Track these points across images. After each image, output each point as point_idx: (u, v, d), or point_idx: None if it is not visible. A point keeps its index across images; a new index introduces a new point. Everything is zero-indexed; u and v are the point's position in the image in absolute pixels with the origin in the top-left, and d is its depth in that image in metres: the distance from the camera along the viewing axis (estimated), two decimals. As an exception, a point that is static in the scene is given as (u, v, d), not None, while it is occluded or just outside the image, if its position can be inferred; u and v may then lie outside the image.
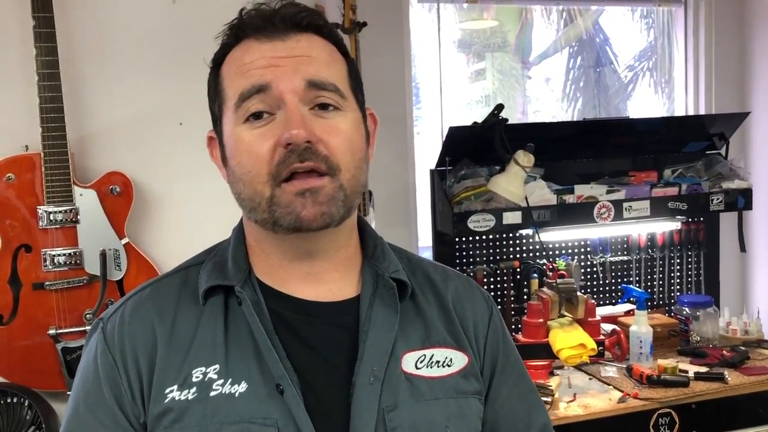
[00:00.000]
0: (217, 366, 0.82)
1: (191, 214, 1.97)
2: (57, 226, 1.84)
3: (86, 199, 1.86)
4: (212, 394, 0.81)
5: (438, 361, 0.89)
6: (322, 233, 0.84)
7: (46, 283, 1.85)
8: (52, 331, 1.84)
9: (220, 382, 0.81)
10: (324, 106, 0.83)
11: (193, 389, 0.81)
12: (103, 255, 1.86)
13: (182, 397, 0.81)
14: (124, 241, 1.89)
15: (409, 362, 0.87)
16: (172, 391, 0.81)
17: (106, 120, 1.93)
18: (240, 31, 0.86)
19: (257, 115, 0.82)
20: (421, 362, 0.88)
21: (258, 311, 0.84)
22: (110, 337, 0.86)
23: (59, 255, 1.85)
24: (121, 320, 0.87)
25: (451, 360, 0.90)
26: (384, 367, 0.84)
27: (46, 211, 1.83)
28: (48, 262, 1.84)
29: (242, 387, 0.81)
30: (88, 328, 1.85)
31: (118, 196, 1.89)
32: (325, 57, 0.85)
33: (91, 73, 1.91)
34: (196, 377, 0.82)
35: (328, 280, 0.89)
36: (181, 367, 0.82)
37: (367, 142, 0.91)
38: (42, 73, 1.78)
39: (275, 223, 0.82)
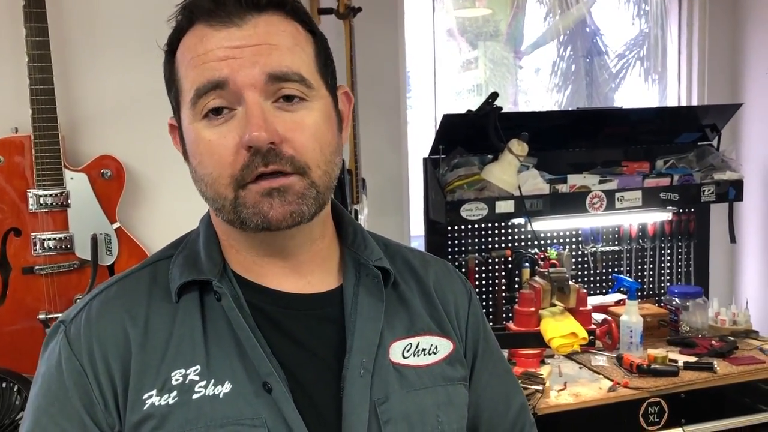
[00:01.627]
0: (198, 367, 0.77)
1: (183, 199, 1.95)
2: (47, 210, 1.82)
3: (77, 183, 1.84)
4: (195, 396, 0.76)
5: (424, 349, 0.87)
6: (293, 230, 0.80)
7: (36, 267, 1.83)
8: (41, 316, 1.82)
9: (203, 383, 0.77)
10: (289, 98, 0.77)
11: (174, 393, 0.76)
12: (94, 239, 1.84)
13: (162, 402, 0.76)
14: (115, 226, 1.88)
15: (396, 352, 0.85)
16: (150, 396, 0.76)
17: (97, 103, 1.90)
18: (191, 14, 0.78)
19: (216, 110, 0.76)
20: (408, 351, 0.86)
21: (238, 306, 0.80)
22: (75, 341, 0.79)
23: (49, 239, 1.83)
24: (87, 322, 0.80)
25: (436, 347, 0.88)
26: (373, 359, 0.82)
27: (35, 195, 1.81)
28: (37, 246, 1.82)
29: (226, 387, 0.77)
30: (78, 313, 1.83)
31: (110, 180, 1.87)
32: (288, 42, 0.77)
33: (82, 54, 1.88)
34: (176, 380, 0.77)
35: (306, 272, 0.85)
36: (158, 370, 0.77)
37: (340, 128, 0.85)
38: (32, 54, 1.75)
39: (242, 223, 0.77)
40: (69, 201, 1.83)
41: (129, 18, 1.90)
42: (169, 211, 1.95)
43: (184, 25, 0.79)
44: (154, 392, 0.76)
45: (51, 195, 1.81)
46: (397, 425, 0.81)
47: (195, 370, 0.77)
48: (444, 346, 0.89)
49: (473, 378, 0.94)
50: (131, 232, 1.90)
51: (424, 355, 0.87)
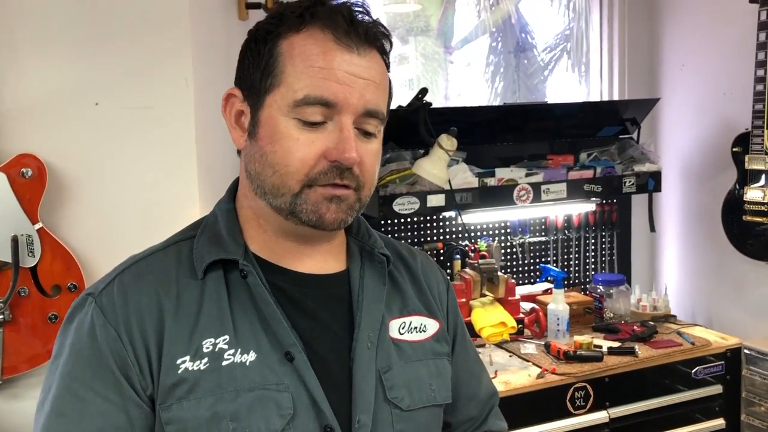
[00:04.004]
0: (226, 336, 0.86)
1: (108, 198, 1.91)
2: (-37, 211, 1.75)
3: (-5, 183, 1.77)
4: (224, 363, 0.85)
5: (416, 327, 1.01)
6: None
7: (-47, 271, 1.75)
8: (-41, 322, 1.75)
9: (231, 351, 0.85)
10: (367, 132, 0.89)
11: (205, 359, 0.84)
12: (15, 241, 1.78)
13: (195, 368, 0.84)
14: (37, 226, 1.82)
15: (393, 329, 0.98)
16: (184, 362, 0.84)
17: (15, 98, 1.83)
18: (316, 19, 0.86)
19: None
20: (403, 328, 0.99)
21: (262, 283, 0.89)
22: (108, 309, 0.86)
23: (-34, 241, 1.75)
24: (120, 292, 0.87)
25: (425, 326, 1.02)
26: (377, 334, 0.94)
27: (-50, 196, 1.73)
28: (-46, 249, 1.75)
29: (251, 356, 0.86)
30: (-1, 317, 1.77)
31: (31, 180, 1.81)
32: (383, 83, 0.91)
33: (-2, 49, 1.81)
34: (207, 348, 0.85)
35: (321, 256, 0.96)
36: (190, 339, 0.85)
37: None
38: (-56, 48, 1.68)
39: (293, 213, 0.88)
40: (-13, 201, 1.76)
41: (48, 7, 1.84)
42: (93, 210, 1.90)
43: (299, 24, 0.87)
44: (187, 358, 0.84)
45: (-33, 195, 1.74)
46: (399, 390, 0.94)
47: (224, 340, 0.86)
48: (431, 325, 1.03)
49: (453, 354, 1.08)
50: (55, 233, 1.84)
51: (416, 332, 1.01)
